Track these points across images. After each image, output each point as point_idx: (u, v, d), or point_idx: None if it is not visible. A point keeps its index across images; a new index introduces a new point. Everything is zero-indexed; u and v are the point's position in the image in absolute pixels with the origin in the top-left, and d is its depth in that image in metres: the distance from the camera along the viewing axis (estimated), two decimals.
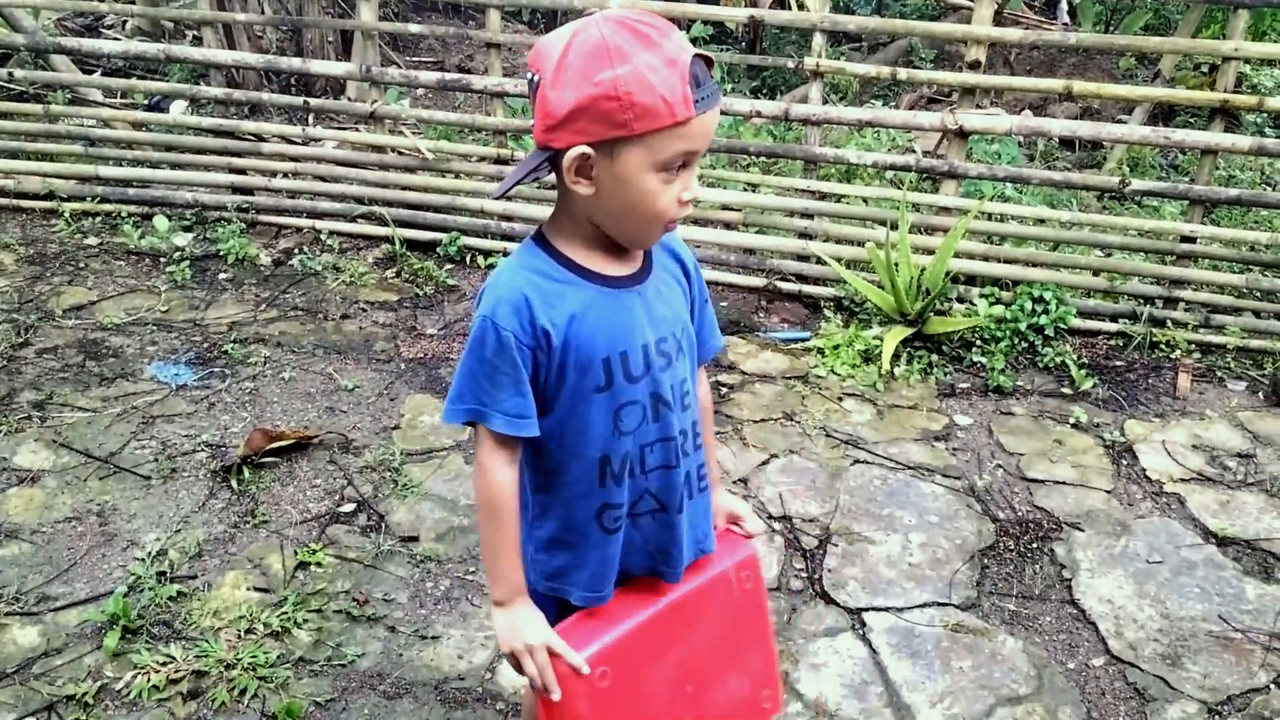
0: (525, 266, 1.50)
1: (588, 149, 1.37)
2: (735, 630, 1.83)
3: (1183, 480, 3.47)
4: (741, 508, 1.86)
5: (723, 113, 5.47)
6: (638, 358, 1.53)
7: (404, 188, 4.89)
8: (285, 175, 4.98)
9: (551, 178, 1.48)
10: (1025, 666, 2.66)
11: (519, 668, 1.57)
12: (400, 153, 4.91)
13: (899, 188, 4.60)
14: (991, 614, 2.84)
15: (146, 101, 5.71)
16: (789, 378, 4.00)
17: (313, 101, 4.89)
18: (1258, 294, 4.31)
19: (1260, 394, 4.07)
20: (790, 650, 2.65)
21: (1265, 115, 6.40)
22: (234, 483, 3.13)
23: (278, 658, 2.51)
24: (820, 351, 4.15)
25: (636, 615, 1.65)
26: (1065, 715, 2.52)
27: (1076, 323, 4.30)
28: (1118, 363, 4.24)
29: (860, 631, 2.75)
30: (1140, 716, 2.53)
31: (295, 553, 2.86)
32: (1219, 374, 4.18)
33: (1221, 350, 4.29)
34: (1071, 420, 3.77)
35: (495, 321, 1.45)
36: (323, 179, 4.96)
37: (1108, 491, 3.39)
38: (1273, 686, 2.64)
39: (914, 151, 5.62)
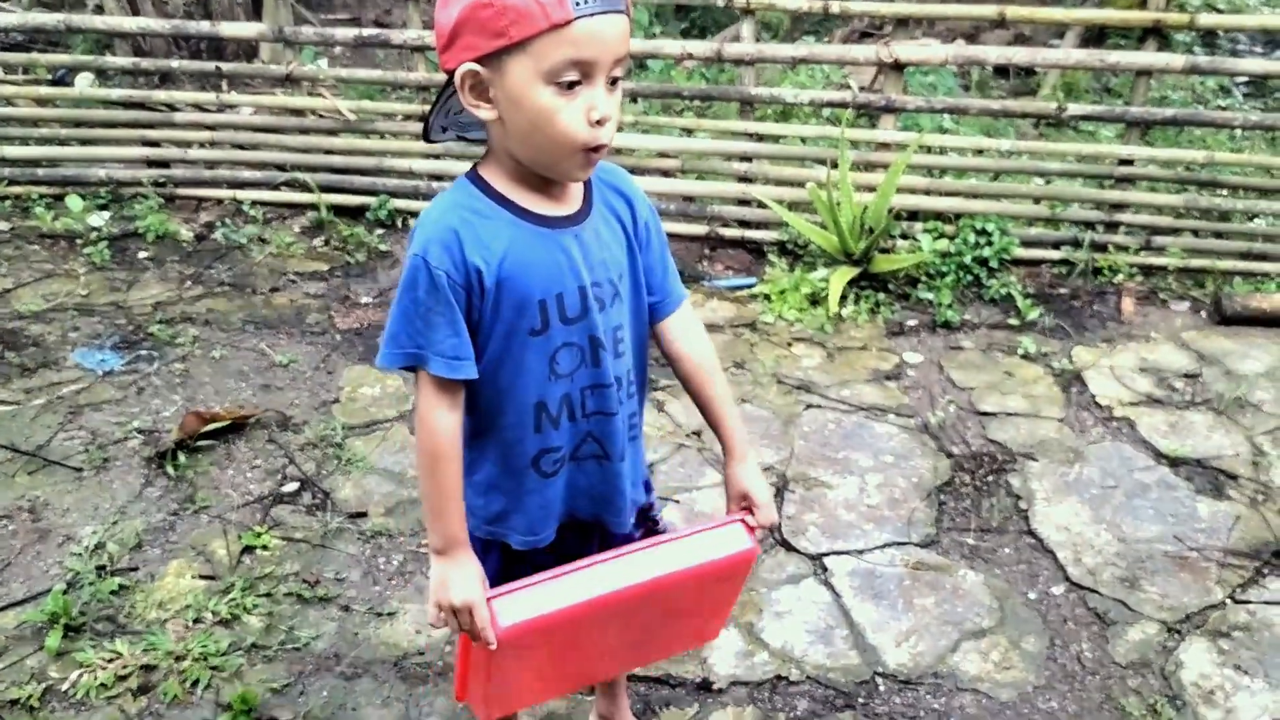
0: (457, 203, 1.45)
1: (476, 66, 1.34)
2: (698, 603, 1.76)
3: (1132, 404, 3.49)
4: (760, 492, 1.69)
5: (653, 56, 5.36)
6: (573, 300, 1.48)
7: (327, 151, 4.72)
8: (202, 145, 4.78)
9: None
10: (987, 599, 2.66)
11: (444, 620, 1.52)
12: (321, 115, 4.73)
13: (837, 125, 4.54)
14: (951, 549, 2.84)
15: (50, 76, 5.44)
16: (737, 326, 3.94)
17: (225, 66, 4.68)
18: (1196, 213, 4.33)
19: (1203, 313, 4.10)
20: (754, 600, 2.62)
21: (1194, 34, 6.42)
22: (170, 469, 3.01)
23: (229, 646, 2.42)
24: (767, 297, 4.10)
25: (589, 592, 1.54)
26: (1029, 645, 2.53)
27: (1020, 253, 4.30)
28: (1062, 290, 4.24)
29: (822, 576, 2.72)
30: (1102, 640, 2.55)
31: (239, 537, 2.77)
32: (1162, 295, 4.21)
33: (1163, 272, 4.31)
34: (1020, 351, 3.77)
35: (427, 260, 1.40)
36: (241, 147, 4.77)
37: (1059, 420, 3.40)
38: (1229, 601, 2.67)
39: (850, 88, 5.55)
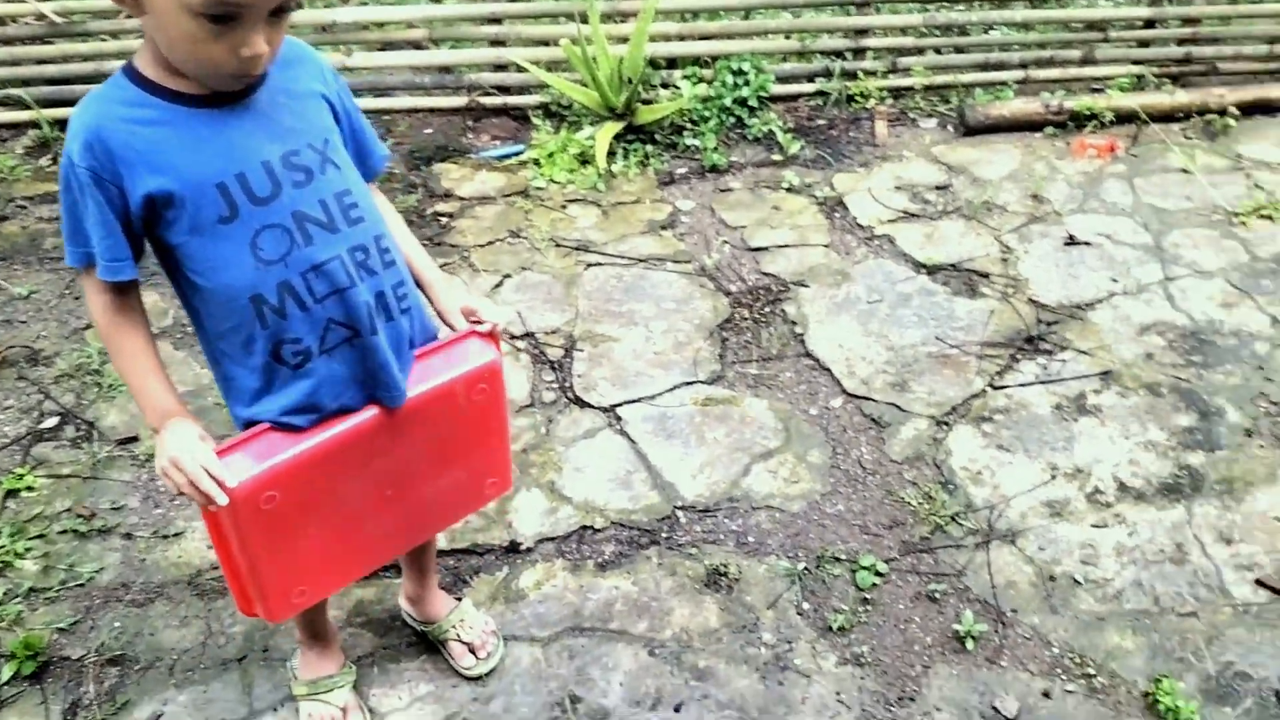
0: (107, 98, 1.37)
1: None
2: (457, 435, 1.76)
3: (890, 221, 3.66)
4: (474, 300, 1.73)
5: None
6: (259, 177, 1.40)
7: (40, 61, 4.28)
8: None
9: None
10: (772, 422, 2.79)
11: (176, 486, 1.45)
12: (27, 22, 4.27)
13: None
14: (736, 382, 2.94)
15: None
16: (509, 195, 3.88)
17: None
18: (936, 31, 4.49)
19: (949, 127, 4.31)
20: (553, 460, 2.66)
21: None
22: None
23: (4, 594, 2.29)
24: (536, 163, 4.04)
25: (323, 434, 1.56)
26: (814, 457, 2.67)
27: (777, 89, 4.37)
28: (820, 122, 4.36)
29: (617, 427, 2.78)
30: (879, 442, 2.72)
31: (1, 482, 2.58)
32: (911, 115, 4.38)
33: (911, 92, 4.48)
34: (785, 185, 3.87)
35: (73, 159, 1.34)
36: None
37: (826, 245, 3.53)
38: (988, 389, 2.89)
39: None
